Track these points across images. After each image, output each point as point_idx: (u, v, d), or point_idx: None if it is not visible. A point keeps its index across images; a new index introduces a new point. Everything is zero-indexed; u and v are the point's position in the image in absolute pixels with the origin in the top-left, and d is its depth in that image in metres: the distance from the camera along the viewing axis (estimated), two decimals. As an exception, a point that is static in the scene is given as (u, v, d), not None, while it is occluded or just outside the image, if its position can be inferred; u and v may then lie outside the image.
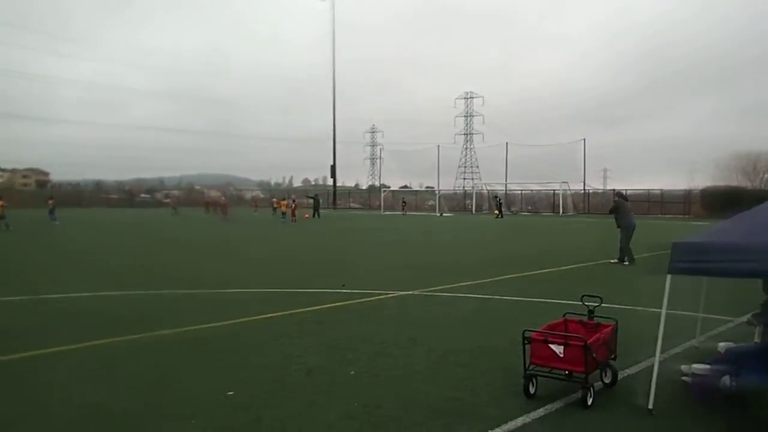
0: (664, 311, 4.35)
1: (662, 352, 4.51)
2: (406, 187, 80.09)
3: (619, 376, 4.99)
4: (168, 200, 71.38)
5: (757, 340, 5.42)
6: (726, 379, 4.52)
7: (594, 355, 4.53)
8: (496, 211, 44.97)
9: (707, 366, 4.80)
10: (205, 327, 7.25)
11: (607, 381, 4.90)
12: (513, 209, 55.57)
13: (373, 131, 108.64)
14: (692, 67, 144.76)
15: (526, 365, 4.71)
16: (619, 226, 14.13)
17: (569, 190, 53.21)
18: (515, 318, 7.72)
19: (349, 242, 21.77)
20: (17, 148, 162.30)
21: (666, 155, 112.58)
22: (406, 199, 57.38)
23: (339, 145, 78.28)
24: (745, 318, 6.32)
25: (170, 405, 4.61)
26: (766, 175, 46.39)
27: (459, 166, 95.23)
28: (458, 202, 63.92)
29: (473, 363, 5.70)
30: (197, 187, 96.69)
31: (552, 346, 4.60)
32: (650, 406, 4.31)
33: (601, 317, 5.23)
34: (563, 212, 50.15)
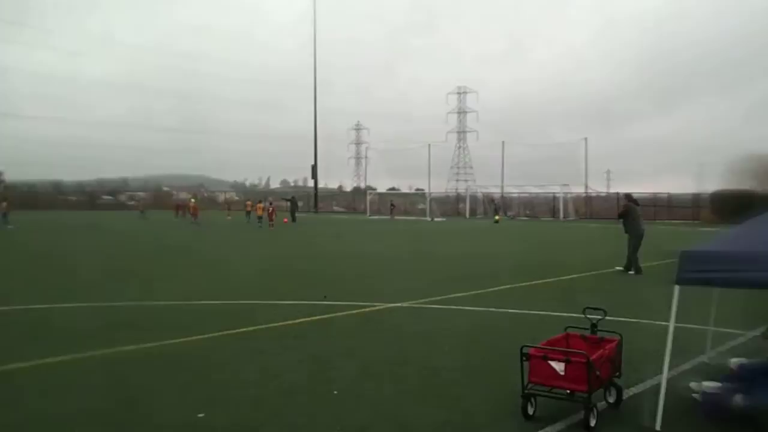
0: (672, 325, 4.38)
1: (670, 368, 4.54)
2: (394, 189, 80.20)
3: (625, 395, 5.01)
4: (133, 202, 70.77)
5: (771, 355, 5.48)
6: (738, 398, 4.56)
7: (597, 372, 4.55)
8: (497, 216, 45.24)
9: (718, 383, 4.83)
10: (174, 342, 7.18)
11: (611, 400, 4.92)
12: (510, 214, 55.83)
13: (358, 128, 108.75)
14: (700, 64, 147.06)
15: (525, 384, 4.71)
16: (627, 232, 14.26)
17: (570, 193, 53.61)
18: (513, 332, 7.74)
19: (331, 249, 21.72)
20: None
21: (671, 157, 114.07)
22: (394, 202, 57.39)
23: (321, 142, 78.15)
24: (758, 331, 6.39)
25: (132, 430, 4.54)
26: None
27: (451, 167, 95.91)
28: (451, 206, 64.02)
29: (467, 381, 5.70)
30: (165, 189, 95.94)
31: (552, 363, 4.61)
32: (657, 428, 4.33)
33: (605, 331, 5.25)
34: (564, 217, 50.49)
